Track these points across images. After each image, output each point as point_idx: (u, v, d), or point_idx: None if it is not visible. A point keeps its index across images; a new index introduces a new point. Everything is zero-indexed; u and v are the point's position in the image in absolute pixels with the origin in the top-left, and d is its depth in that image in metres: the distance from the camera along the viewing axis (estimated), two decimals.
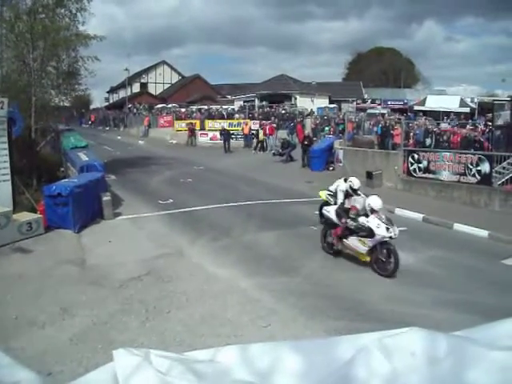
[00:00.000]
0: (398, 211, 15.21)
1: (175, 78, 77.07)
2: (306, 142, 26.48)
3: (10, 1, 18.15)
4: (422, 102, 45.22)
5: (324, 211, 11.59)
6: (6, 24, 17.80)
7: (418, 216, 14.64)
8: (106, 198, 14.34)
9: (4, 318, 7.28)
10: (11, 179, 13.54)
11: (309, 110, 46.70)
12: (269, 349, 1.60)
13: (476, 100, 44.55)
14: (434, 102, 43.35)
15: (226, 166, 26.07)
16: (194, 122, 40.63)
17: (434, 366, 1.45)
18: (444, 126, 25.58)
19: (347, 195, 10.91)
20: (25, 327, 7.05)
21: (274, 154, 29.01)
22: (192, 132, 38.47)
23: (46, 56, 18.64)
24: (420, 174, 18.21)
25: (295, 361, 1.49)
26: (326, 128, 36.13)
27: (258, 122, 39.03)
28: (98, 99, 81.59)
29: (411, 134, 22.00)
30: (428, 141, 21.50)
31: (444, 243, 11.91)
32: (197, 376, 1.41)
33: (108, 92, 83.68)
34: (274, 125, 36.19)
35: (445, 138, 21.40)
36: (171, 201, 16.67)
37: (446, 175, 17.27)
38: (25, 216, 12.38)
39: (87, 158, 17.52)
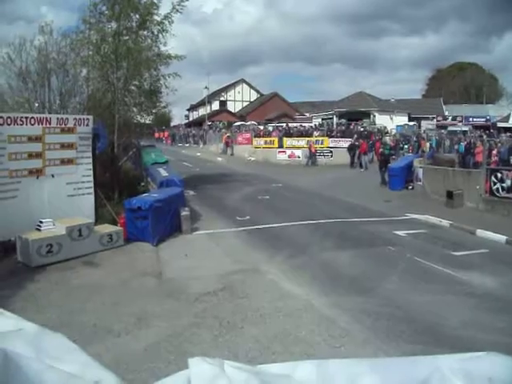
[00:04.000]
0: (480, 232, 14.62)
1: (254, 96, 78.21)
2: (381, 159, 26.40)
3: (96, 24, 19.05)
4: (506, 119, 43.52)
5: None
6: (93, 46, 18.81)
7: (501, 238, 13.95)
8: (185, 212, 14.62)
9: (83, 325, 7.51)
10: (94, 192, 14.08)
11: (387, 128, 46.07)
12: (346, 365, 1.55)
13: None
14: None
15: (303, 184, 26.07)
16: (229, 135, 48.97)
17: None
18: None
19: None
20: (102, 334, 7.25)
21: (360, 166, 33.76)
22: (228, 143, 46.38)
23: (129, 75, 19.39)
24: (503, 194, 17.37)
25: (372, 378, 1.43)
26: (406, 146, 35.52)
27: (337, 139, 39.10)
28: (178, 116, 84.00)
29: (494, 151, 21.19)
30: None
31: None
32: None
33: (188, 109, 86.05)
34: (357, 143, 36.23)
35: None
36: (248, 217, 16.78)
37: None
38: (106, 228, 12.84)
39: (167, 174, 17.94)
